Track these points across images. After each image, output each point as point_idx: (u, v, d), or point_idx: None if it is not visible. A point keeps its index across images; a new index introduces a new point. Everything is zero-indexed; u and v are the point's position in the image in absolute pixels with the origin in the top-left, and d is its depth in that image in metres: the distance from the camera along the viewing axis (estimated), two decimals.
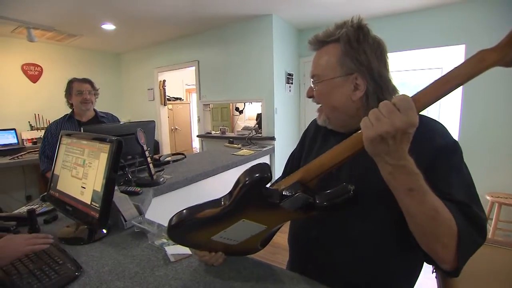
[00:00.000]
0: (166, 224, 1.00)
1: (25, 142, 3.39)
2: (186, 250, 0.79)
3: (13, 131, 3.31)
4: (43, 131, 3.52)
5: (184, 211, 0.59)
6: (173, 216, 0.59)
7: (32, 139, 3.43)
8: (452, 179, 0.55)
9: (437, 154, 0.57)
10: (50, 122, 1.87)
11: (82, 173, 0.88)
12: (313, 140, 0.83)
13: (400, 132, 0.42)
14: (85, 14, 2.66)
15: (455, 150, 0.58)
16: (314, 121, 0.84)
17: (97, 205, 0.80)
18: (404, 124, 0.42)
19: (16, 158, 2.83)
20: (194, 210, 0.58)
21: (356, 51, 0.63)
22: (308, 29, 3.28)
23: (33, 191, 3.31)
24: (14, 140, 3.30)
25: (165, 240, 0.85)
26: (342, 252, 0.67)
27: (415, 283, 0.68)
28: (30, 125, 3.51)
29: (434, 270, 0.65)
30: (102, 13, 2.68)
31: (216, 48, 3.28)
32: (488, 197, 2.43)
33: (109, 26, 3.01)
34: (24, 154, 2.94)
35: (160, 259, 0.76)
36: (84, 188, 0.86)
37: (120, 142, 0.80)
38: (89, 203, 0.83)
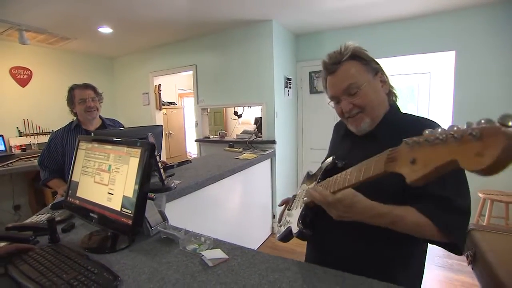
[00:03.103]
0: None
1: (13, 149, 3.23)
2: (222, 254, 0.78)
3: (0, 137, 3.14)
4: (32, 137, 3.38)
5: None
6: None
7: (21, 145, 3.27)
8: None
9: None
10: (44, 132, 1.77)
11: (109, 179, 0.86)
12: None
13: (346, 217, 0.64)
14: (82, 16, 2.59)
15: None
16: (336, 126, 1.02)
17: (129, 212, 0.78)
18: (343, 214, 0.64)
19: (4, 166, 2.69)
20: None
21: (367, 58, 0.78)
22: (305, 34, 3.35)
23: (21, 200, 3.15)
24: (2, 147, 3.13)
25: (196, 246, 0.84)
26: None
27: (423, 257, 0.78)
28: (19, 131, 3.35)
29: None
30: (100, 16, 2.61)
31: (215, 52, 3.28)
32: (480, 194, 2.54)
33: (106, 29, 2.95)
34: (13, 162, 2.80)
35: (197, 264, 0.75)
36: (112, 194, 0.84)
37: (153, 145, 0.79)
38: (119, 209, 0.80)
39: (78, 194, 0.95)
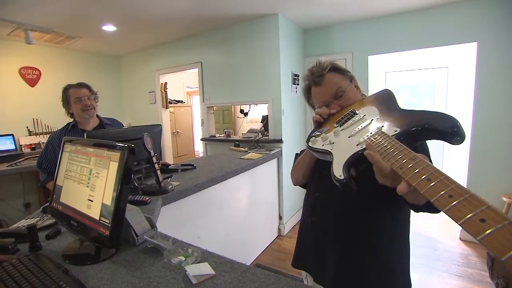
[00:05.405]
0: (179, 237, 0.92)
1: (23, 148, 3.28)
2: (209, 270, 0.70)
3: (10, 136, 3.20)
4: (41, 136, 3.43)
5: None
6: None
7: (30, 144, 3.32)
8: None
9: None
10: (52, 131, 1.74)
11: (89, 184, 0.79)
12: None
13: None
14: (85, 14, 2.57)
15: None
16: None
17: (107, 221, 0.71)
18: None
19: (14, 164, 2.73)
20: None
21: (343, 69, 0.94)
22: (313, 28, 3.21)
23: (31, 198, 3.20)
24: (12, 146, 3.19)
25: (182, 258, 0.76)
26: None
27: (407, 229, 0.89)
28: (28, 130, 3.40)
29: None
30: (103, 14, 2.59)
31: (220, 49, 3.20)
32: (504, 199, 2.34)
33: (109, 27, 2.92)
34: (23, 160, 2.84)
35: (180, 281, 0.67)
36: (92, 201, 0.77)
37: (132, 149, 0.71)
38: (97, 218, 0.74)
39: (61, 200, 0.89)
